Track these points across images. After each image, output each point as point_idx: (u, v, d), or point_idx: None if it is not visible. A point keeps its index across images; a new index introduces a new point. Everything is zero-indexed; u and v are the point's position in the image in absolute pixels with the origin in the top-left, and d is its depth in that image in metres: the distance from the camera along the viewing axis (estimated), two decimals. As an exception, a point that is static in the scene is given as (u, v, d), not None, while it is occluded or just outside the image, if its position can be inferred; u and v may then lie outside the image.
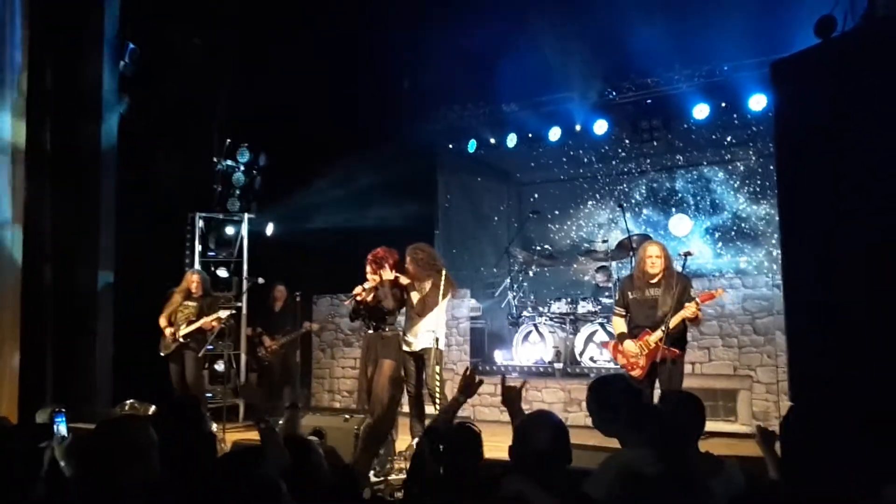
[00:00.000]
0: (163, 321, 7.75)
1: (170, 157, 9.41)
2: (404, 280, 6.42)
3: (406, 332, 6.47)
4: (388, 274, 6.30)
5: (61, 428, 4.10)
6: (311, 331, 9.30)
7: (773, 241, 10.43)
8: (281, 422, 5.18)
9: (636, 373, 5.80)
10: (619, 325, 6.04)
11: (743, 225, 10.95)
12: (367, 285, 6.38)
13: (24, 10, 7.73)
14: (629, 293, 5.97)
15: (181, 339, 7.63)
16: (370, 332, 6.45)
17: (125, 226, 8.53)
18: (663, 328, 5.58)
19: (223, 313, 7.70)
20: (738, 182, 11.03)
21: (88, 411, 7.23)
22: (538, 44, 9.25)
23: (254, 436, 7.01)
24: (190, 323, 7.66)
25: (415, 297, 6.39)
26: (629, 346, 5.78)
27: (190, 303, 7.82)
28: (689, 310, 5.61)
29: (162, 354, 7.76)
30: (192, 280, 7.91)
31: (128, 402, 6.86)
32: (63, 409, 4.38)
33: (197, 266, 9.25)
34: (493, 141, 11.12)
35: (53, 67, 8.07)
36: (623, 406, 3.16)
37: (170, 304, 7.85)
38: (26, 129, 7.70)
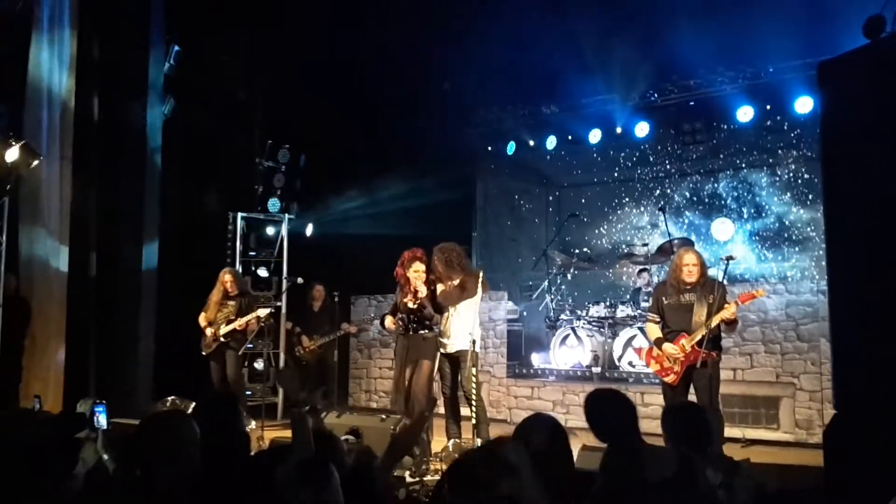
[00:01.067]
0: (202, 321, 7.85)
1: (212, 158, 9.55)
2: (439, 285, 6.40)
3: (442, 333, 6.45)
4: (423, 289, 6.25)
5: (101, 419, 4.18)
6: (350, 332, 9.35)
7: (818, 247, 10.22)
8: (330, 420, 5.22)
9: (670, 378, 5.68)
10: (653, 330, 5.94)
11: (787, 229, 10.74)
12: (419, 288, 6.29)
13: (72, 16, 7.90)
14: (663, 299, 5.86)
15: (221, 339, 7.71)
16: (410, 334, 6.39)
17: (168, 225, 8.68)
18: (700, 331, 5.49)
19: (262, 312, 7.76)
20: (782, 186, 10.83)
21: (129, 406, 7.37)
22: (579, 45, 9.20)
23: (290, 433, 7.08)
24: (229, 322, 7.74)
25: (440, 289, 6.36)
26: (669, 348, 5.68)
27: (229, 302, 7.89)
28: (727, 310, 5.50)
29: (203, 353, 7.85)
30: (226, 279, 7.95)
31: (169, 398, 6.97)
32: (103, 401, 4.47)
33: (238, 266, 9.36)
34: (532, 143, 11.09)
35: (100, 71, 8.24)
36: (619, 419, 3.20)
37: (209, 304, 7.94)
38: (73, 131, 7.87)
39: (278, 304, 9.20)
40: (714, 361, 5.57)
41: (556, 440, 2.84)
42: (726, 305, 5.54)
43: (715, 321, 5.50)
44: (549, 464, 2.79)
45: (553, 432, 2.87)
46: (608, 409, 3.30)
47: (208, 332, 7.78)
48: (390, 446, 5.39)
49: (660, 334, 5.83)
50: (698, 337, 5.50)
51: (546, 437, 2.83)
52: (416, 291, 6.22)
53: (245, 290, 8.28)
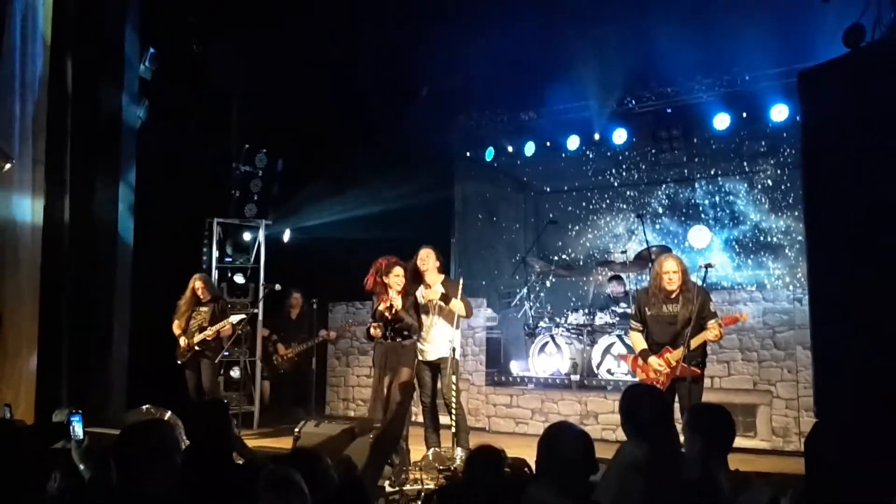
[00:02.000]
0: (176, 329, 7.68)
1: (188, 162, 9.43)
2: (430, 291, 6.37)
3: (421, 341, 6.40)
4: (398, 301, 6.20)
5: (77, 428, 4.09)
6: (328, 339, 9.28)
7: (795, 254, 10.32)
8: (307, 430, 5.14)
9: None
10: (637, 340, 5.89)
11: (763, 237, 10.83)
12: (394, 300, 6.26)
13: (45, 13, 7.79)
14: (646, 308, 5.81)
15: (196, 347, 7.57)
16: (388, 341, 6.33)
17: (143, 230, 8.56)
18: (684, 347, 5.46)
19: (234, 318, 7.64)
20: (758, 193, 10.92)
21: (103, 415, 7.25)
22: (558, 52, 9.22)
23: (269, 444, 7.01)
24: (202, 329, 7.59)
25: (453, 306, 6.29)
26: (654, 363, 5.66)
27: (202, 308, 7.73)
28: (711, 332, 5.48)
29: (178, 362, 7.70)
30: (197, 285, 7.75)
31: (144, 406, 6.86)
32: (79, 411, 4.37)
33: (214, 272, 9.25)
34: (510, 149, 11.09)
35: (74, 71, 8.13)
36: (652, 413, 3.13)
37: (180, 311, 7.77)
38: (46, 131, 7.75)
39: (255, 310, 9.11)
40: (697, 377, 5.56)
41: (585, 449, 2.81)
42: (709, 325, 5.52)
43: (698, 341, 5.49)
44: (575, 473, 2.77)
45: (583, 441, 2.84)
46: (647, 405, 3.22)
47: (182, 340, 7.63)
48: (370, 455, 5.33)
49: (644, 345, 5.80)
50: (682, 352, 5.46)
51: (575, 446, 2.80)
52: (390, 306, 6.15)
53: (217, 296, 8.12)
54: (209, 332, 7.51)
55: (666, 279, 5.66)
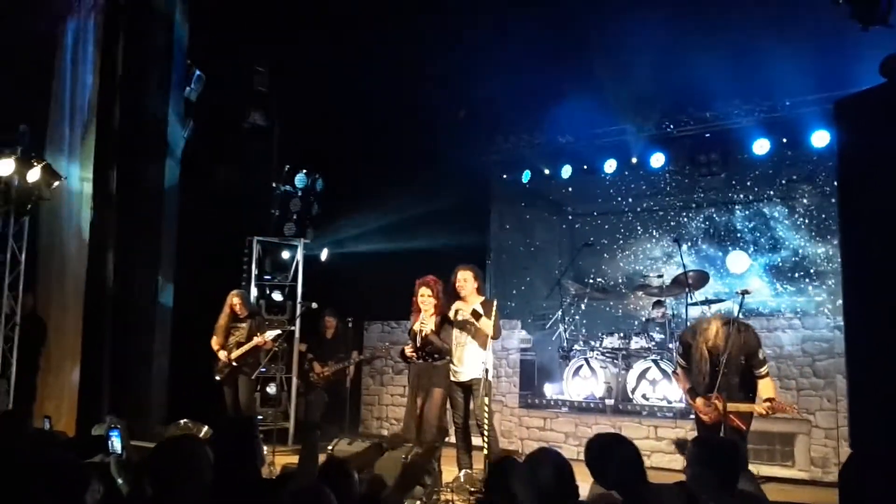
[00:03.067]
0: (215, 345, 7.82)
1: (230, 182, 9.63)
2: (465, 313, 6.39)
3: (454, 361, 6.44)
4: (430, 325, 6.29)
5: (115, 443, 4.19)
6: (362, 362, 9.36)
7: (835, 281, 10.15)
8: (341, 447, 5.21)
9: (706, 418, 5.45)
10: (685, 380, 5.71)
11: (803, 263, 10.68)
12: (425, 325, 6.34)
13: (96, 33, 8.04)
14: (690, 347, 5.58)
15: (233, 363, 7.69)
16: (420, 361, 6.41)
17: (185, 247, 8.74)
18: (728, 399, 5.23)
19: (270, 334, 7.74)
20: (798, 219, 10.79)
21: (142, 429, 7.38)
22: (596, 75, 9.25)
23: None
24: (239, 345, 7.70)
25: (481, 325, 6.32)
26: (701, 404, 5.44)
27: (240, 325, 7.84)
28: (758, 408, 5.29)
29: (217, 378, 7.83)
30: (234, 301, 7.87)
31: (182, 421, 6.97)
32: (118, 426, 4.48)
33: (253, 289, 9.40)
34: (547, 172, 11.12)
35: (122, 91, 8.37)
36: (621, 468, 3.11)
37: (219, 327, 7.90)
38: (94, 152, 7.98)
39: (292, 328, 9.22)
40: (741, 430, 5.33)
41: (562, 476, 2.81)
42: (759, 402, 5.30)
43: (745, 409, 5.29)
44: (554, 499, 2.78)
45: (559, 467, 2.84)
46: (612, 454, 3.17)
47: (221, 356, 7.76)
48: (401, 475, 5.36)
49: (689, 385, 5.62)
50: (734, 408, 5.26)
51: (552, 472, 2.80)
52: (421, 330, 6.25)
53: (255, 312, 8.25)
54: (247, 348, 7.63)
55: (705, 337, 5.43)
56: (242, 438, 3.23)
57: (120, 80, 8.32)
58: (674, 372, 6.54)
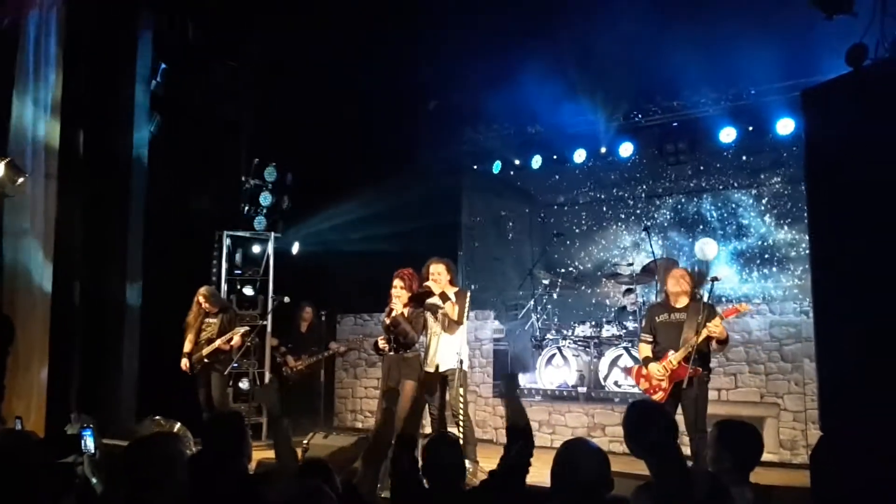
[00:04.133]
0: (188, 344, 7.75)
1: (198, 176, 9.53)
2: (436, 297, 6.39)
3: (429, 352, 6.45)
4: (399, 307, 6.31)
5: (89, 442, 4.14)
6: (338, 353, 9.31)
7: (801, 267, 10.32)
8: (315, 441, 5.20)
9: (658, 396, 5.75)
10: (644, 350, 6.01)
11: (770, 250, 10.83)
12: (395, 305, 6.36)
13: (58, 29, 7.90)
14: (655, 318, 5.95)
15: (205, 359, 7.63)
16: (391, 353, 6.43)
17: (153, 242, 8.64)
18: (686, 347, 5.54)
19: (240, 330, 7.70)
20: (765, 206, 10.94)
21: (113, 426, 7.30)
22: (564, 66, 9.28)
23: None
24: (210, 341, 7.65)
25: (444, 309, 6.34)
26: (654, 368, 5.75)
27: (211, 320, 7.79)
28: (713, 324, 5.54)
29: (190, 374, 7.76)
30: (200, 298, 7.80)
31: (155, 417, 6.91)
32: (91, 425, 4.42)
33: (223, 284, 9.33)
34: (517, 162, 11.15)
35: (87, 86, 8.23)
36: (660, 433, 3.11)
37: (188, 322, 7.83)
38: (59, 146, 7.85)
39: (264, 322, 9.17)
40: (701, 380, 5.61)
41: (602, 468, 2.81)
42: (712, 321, 5.59)
43: (702, 336, 5.55)
44: (593, 493, 2.77)
45: (600, 459, 2.83)
46: (652, 424, 3.17)
47: (185, 349, 7.71)
48: (363, 461, 5.36)
49: (649, 353, 5.90)
50: (685, 353, 5.55)
51: (594, 465, 2.80)
52: (390, 310, 6.27)
53: (226, 307, 8.18)
54: (217, 343, 7.57)
55: (672, 282, 5.82)
56: (233, 434, 3.22)
57: (84, 73, 8.19)
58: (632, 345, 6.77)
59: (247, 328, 7.90)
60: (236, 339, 7.65)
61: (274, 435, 3.59)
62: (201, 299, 7.80)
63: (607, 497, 2.83)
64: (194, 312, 7.82)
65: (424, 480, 3.19)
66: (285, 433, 3.62)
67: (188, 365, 7.64)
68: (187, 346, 7.74)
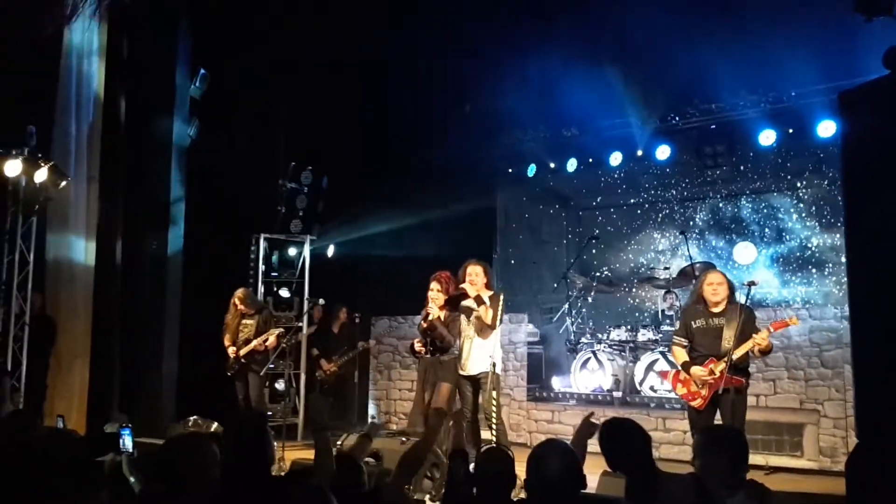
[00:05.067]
0: (227, 342, 7.90)
1: (236, 180, 9.67)
2: (470, 300, 6.39)
3: (462, 356, 6.46)
4: (436, 311, 6.34)
5: (127, 442, 4.23)
6: (367, 348, 9.36)
7: (841, 272, 10.13)
8: (349, 442, 5.25)
9: (696, 403, 5.64)
10: (680, 354, 5.86)
11: (810, 254, 10.66)
12: (431, 309, 6.39)
13: (100, 35, 8.07)
14: (692, 322, 5.79)
15: (242, 359, 7.75)
16: (427, 356, 6.47)
17: (192, 246, 8.78)
18: (727, 358, 5.43)
19: (275, 331, 7.84)
20: (805, 210, 10.77)
21: (152, 426, 7.44)
22: (600, 68, 9.24)
23: (311, 455, 7.10)
24: (247, 342, 7.78)
25: (477, 313, 6.35)
26: (698, 371, 5.60)
27: (248, 321, 7.94)
28: (760, 336, 5.43)
29: (228, 374, 7.90)
30: (236, 300, 7.93)
31: (191, 418, 7.02)
32: (129, 424, 4.52)
33: (260, 286, 9.45)
34: (552, 165, 11.11)
35: (127, 91, 8.41)
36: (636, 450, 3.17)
37: (226, 323, 7.98)
38: (101, 152, 8.02)
39: (300, 324, 9.27)
40: (741, 387, 5.51)
41: (569, 467, 2.83)
42: (756, 332, 5.48)
43: (744, 349, 5.43)
44: (562, 491, 2.80)
45: (566, 459, 2.87)
46: (624, 438, 3.25)
47: (230, 352, 7.83)
48: (399, 462, 5.38)
49: (686, 358, 5.78)
50: (728, 361, 5.42)
51: (559, 465, 2.84)
52: (427, 314, 6.30)
53: (262, 308, 8.32)
54: (254, 344, 7.70)
55: (710, 290, 5.67)
56: (254, 435, 3.26)
57: (125, 80, 8.36)
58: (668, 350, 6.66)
59: (282, 329, 8.00)
60: (272, 340, 7.76)
61: (315, 444, 3.65)
62: (237, 301, 7.93)
63: (580, 494, 2.89)
64: (231, 314, 7.95)
65: (475, 489, 3.25)
66: (326, 444, 3.68)
67: (235, 353, 7.77)
68: (227, 343, 7.89)
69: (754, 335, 5.46)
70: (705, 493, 2.91)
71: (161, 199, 8.65)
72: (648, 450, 3.21)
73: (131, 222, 8.45)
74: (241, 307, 7.91)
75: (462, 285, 6.40)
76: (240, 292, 8.04)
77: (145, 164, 8.62)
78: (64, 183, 7.51)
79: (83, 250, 7.94)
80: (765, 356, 5.80)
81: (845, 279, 9.82)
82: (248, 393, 7.85)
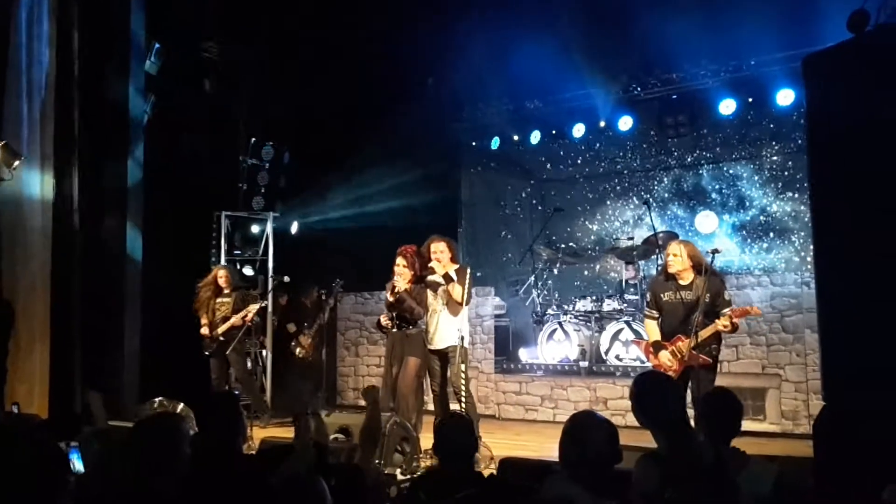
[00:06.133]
0: (203, 320, 7.89)
1: (195, 156, 9.48)
2: (437, 276, 6.37)
3: (430, 330, 6.45)
4: (403, 284, 6.32)
5: (77, 464, 4.14)
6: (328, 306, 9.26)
7: (802, 238, 10.31)
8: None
9: (670, 373, 5.71)
10: (652, 329, 5.88)
11: (770, 221, 10.82)
12: (398, 282, 6.37)
13: (51, 7, 7.81)
14: (661, 295, 5.81)
15: (221, 337, 7.75)
16: (394, 330, 6.46)
17: (152, 224, 8.61)
18: (693, 336, 5.45)
19: (254, 307, 7.84)
20: (765, 178, 10.91)
21: (117, 408, 7.33)
22: (562, 40, 9.20)
23: (279, 433, 7.07)
24: (224, 320, 7.77)
25: (445, 289, 6.33)
26: (664, 357, 5.65)
27: (224, 299, 7.94)
28: (721, 322, 5.45)
29: (206, 353, 7.89)
30: (220, 275, 7.99)
31: (156, 399, 6.94)
32: (77, 445, 4.41)
33: (223, 264, 9.31)
34: (516, 138, 11.08)
35: (81, 66, 8.15)
36: (671, 406, 3.07)
37: (200, 301, 7.94)
38: (54, 129, 7.79)
39: (264, 303, 9.17)
40: (708, 366, 5.54)
41: (612, 442, 2.77)
42: (720, 318, 5.47)
43: (707, 333, 5.46)
44: (602, 467, 2.76)
45: (609, 432, 2.80)
46: (664, 396, 3.09)
47: (204, 331, 7.86)
48: (361, 441, 5.38)
49: (657, 334, 5.79)
50: (692, 342, 5.45)
51: (603, 439, 2.76)
52: (393, 287, 6.29)
53: (238, 286, 8.30)
54: (234, 321, 7.73)
55: (668, 261, 5.72)
56: (226, 414, 3.23)
57: (78, 54, 8.11)
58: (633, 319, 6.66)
59: (260, 304, 8.03)
60: (249, 317, 7.76)
61: (296, 429, 3.65)
62: (220, 274, 7.99)
63: (615, 469, 2.81)
64: (206, 283, 7.98)
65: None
66: (307, 429, 3.68)
67: (211, 333, 7.82)
68: (203, 321, 7.91)
69: (717, 321, 5.47)
70: (720, 456, 2.91)
71: (119, 177, 8.45)
72: (684, 404, 3.15)
73: (89, 201, 8.25)
74: (222, 283, 7.94)
75: (430, 265, 6.38)
76: (224, 268, 8.13)
77: (101, 142, 8.39)
78: (17, 163, 7.29)
79: (39, 230, 7.74)
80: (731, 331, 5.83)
81: (805, 245, 10.07)
82: (222, 372, 7.87)
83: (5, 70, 7.54)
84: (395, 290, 6.33)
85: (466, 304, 6.29)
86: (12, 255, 7.54)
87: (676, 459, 2.78)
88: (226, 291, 7.95)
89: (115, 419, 6.22)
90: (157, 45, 8.85)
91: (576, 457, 2.77)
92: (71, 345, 7.85)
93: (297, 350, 8.95)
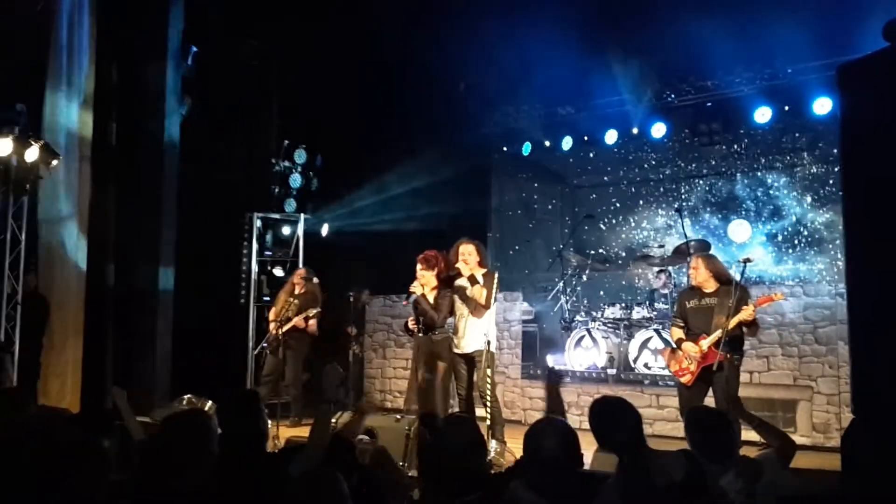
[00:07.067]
0: (271, 315, 8.11)
1: (229, 158, 9.62)
2: (464, 279, 6.39)
3: (457, 333, 6.47)
4: (419, 289, 6.35)
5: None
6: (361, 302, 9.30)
7: (836, 249, 10.15)
8: (343, 420, 5.26)
9: (685, 378, 5.81)
10: (677, 334, 6.02)
11: (804, 231, 10.66)
12: (414, 287, 6.41)
13: (91, 13, 7.97)
14: (686, 303, 5.98)
15: (279, 336, 7.83)
16: (421, 335, 6.48)
17: (185, 225, 8.74)
18: (721, 332, 5.51)
19: (311, 311, 7.98)
20: (800, 187, 10.75)
21: (146, 405, 7.44)
22: (595, 46, 9.17)
23: (306, 433, 7.12)
24: (288, 320, 7.91)
25: (472, 291, 6.35)
26: (689, 347, 5.75)
27: (294, 300, 8.07)
28: (745, 312, 5.52)
29: (265, 345, 8.06)
30: (296, 279, 8.18)
31: (185, 396, 7.03)
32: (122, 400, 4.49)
33: (254, 265, 9.41)
34: (547, 143, 11.05)
35: (119, 69, 8.32)
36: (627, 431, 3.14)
37: (277, 299, 8.22)
38: (92, 130, 7.95)
39: (318, 310, 9.22)
40: (731, 364, 5.56)
41: (566, 447, 2.81)
42: (744, 307, 5.56)
43: (733, 323, 5.52)
44: (556, 472, 2.78)
45: (563, 438, 2.83)
46: (615, 418, 3.21)
47: (272, 327, 7.97)
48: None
49: (683, 336, 5.91)
50: (715, 338, 5.54)
51: (555, 444, 2.80)
52: (409, 293, 6.34)
53: (312, 292, 8.33)
54: (297, 321, 7.92)
55: (690, 274, 5.97)
56: (247, 412, 3.26)
57: (117, 57, 8.26)
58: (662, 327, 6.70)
59: (318, 310, 8.12)
60: (299, 320, 7.92)
61: (315, 416, 3.66)
62: (296, 277, 8.18)
63: (577, 473, 2.85)
64: (286, 290, 8.21)
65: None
66: (326, 416, 3.70)
67: (275, 330, 7.84)
68: (271, 317, 8.13)
69: (744, 307, 5.57)
70: (696, 468, 2.91)
71: (154, 178, 8.58)
72: (639, 428, 3.19)
73: (124, 202, 8.39)
74: (297, 285, 8.11)
75: (457, 265, 6.40)
76: (301, 271, 8.32)
77: (138, 145, 8.54)
78: (55, 162, 7.45)
79: (76, 229, 7.89)
80: (753, 331, 5.85)
81: (839, 256, 9.91)
82: (275, 367, 7.97)
83: (46, 72, 7.71)
84: (410, 297, 6.37)
85: (488, 306, 6.30)
86: (49, 253, 7.71)
87: (634, 480, 2.81)
88: (299, 293, 8.06)
89: (144, 416, 6.30)
90: (193, 49, 8.99)
91: (531, 462, 2.82)
92: (103, 343, 8.00)
93: (357, 350, 8.99)
